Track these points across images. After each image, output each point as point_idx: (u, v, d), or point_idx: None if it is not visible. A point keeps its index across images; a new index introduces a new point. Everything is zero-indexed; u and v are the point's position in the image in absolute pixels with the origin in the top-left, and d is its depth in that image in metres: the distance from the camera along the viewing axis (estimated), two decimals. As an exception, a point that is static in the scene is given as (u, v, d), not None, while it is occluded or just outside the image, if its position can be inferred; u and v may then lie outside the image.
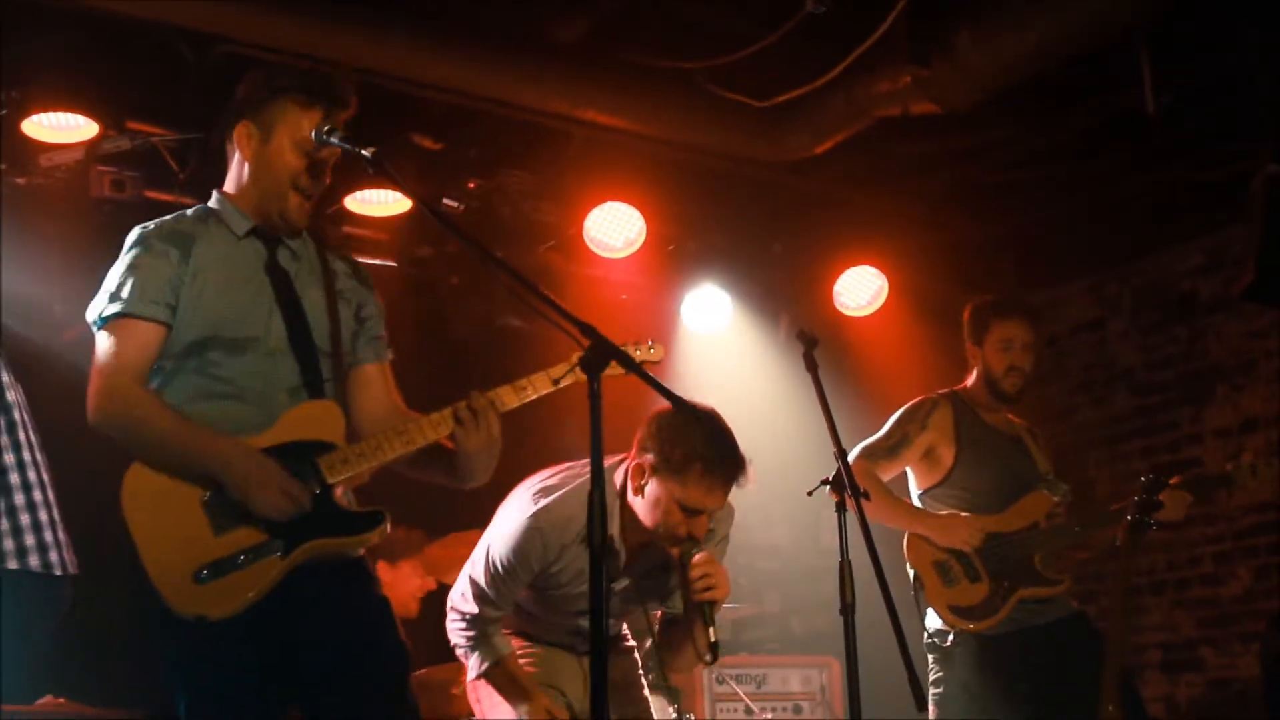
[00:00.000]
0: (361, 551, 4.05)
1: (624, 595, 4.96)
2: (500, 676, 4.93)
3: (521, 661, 5.03)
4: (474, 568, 4.90)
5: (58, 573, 4.16)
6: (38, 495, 4.15)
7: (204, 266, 3.95)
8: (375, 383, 4.19)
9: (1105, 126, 7.19)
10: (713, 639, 4.65)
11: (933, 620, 5.94)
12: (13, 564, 4.01)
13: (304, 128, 3.99)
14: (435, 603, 7.04)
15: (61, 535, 4.21)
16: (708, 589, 4.64)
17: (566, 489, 4.75)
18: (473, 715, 6.29)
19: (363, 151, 3.91)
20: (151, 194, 6.83)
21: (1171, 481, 5.80)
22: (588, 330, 3.54)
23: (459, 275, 7.93)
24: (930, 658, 5.95)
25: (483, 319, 8.01)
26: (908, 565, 5.97)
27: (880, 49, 6.41)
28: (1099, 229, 8.14)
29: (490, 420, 3.97)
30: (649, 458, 4.65)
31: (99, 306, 3.92)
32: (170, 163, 6.82)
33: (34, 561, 4.11)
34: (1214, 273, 8.15)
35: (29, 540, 4.10)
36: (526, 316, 7.69)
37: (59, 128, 6.47)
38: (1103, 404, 8.72)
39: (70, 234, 6.64)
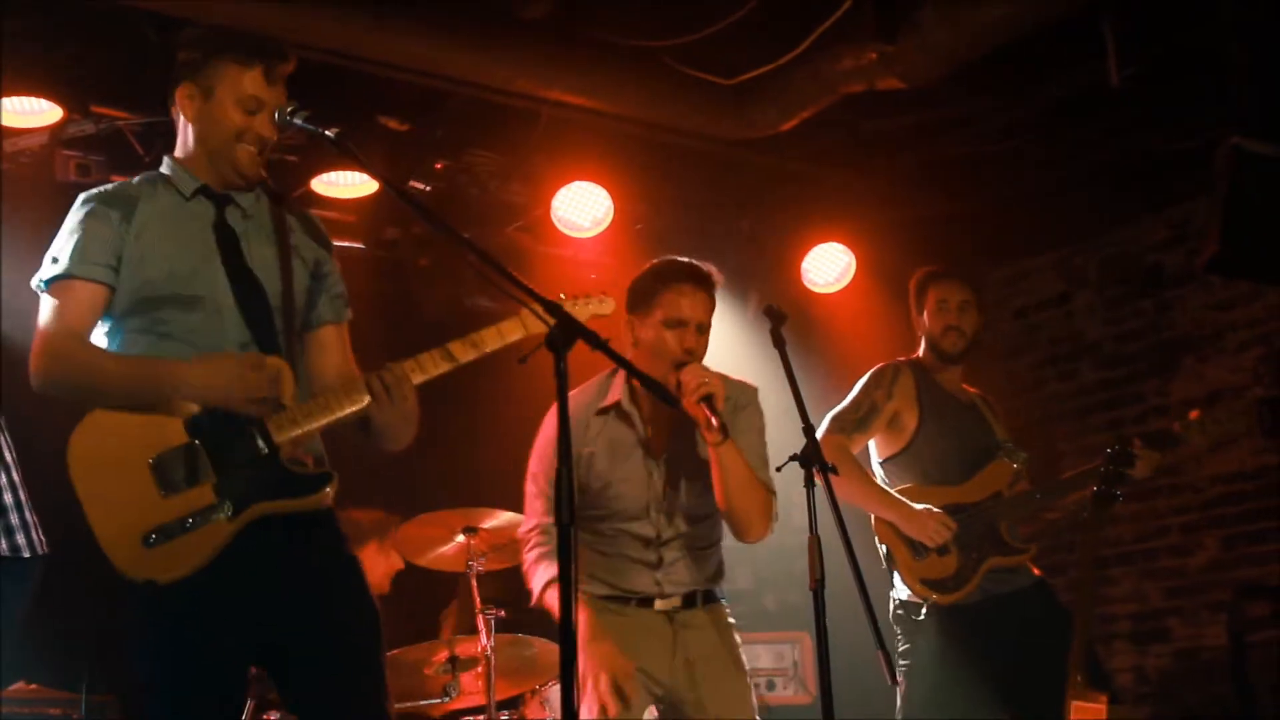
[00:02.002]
0: (327, 504, 4.00)
1: (667, 484, 5.02)
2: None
3: (601, 624, 4.85)
4: (526, 495, 5.07)
5: (26, 554, 4.15)
6: (3, 478, 4.13)
7: (147, 225, 3.96)
8: (332, 344, 4.19)
9: (1070, 100, 7.19)
10: (718, 423, 4.67)
11: (902, 592, 5.96)
12: (-20, 548, 4.00)
13: (244, 85, 4.00)
14: (406, 583, 7.04)
15: (30, 516, 4.20)
16: (701, 384, 4.70)
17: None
18: (446, 696, 6.31)
19: (326, 133, 3.91)
20: (117, 178, 6.73)
21: (1134, 447, 5.83)
22: (554, 309, 3.53)
23: (427, 257, 7.92)
24: (899, 630, 5.98)
25: (451, 300, 7.99)
26: (877, 540, 5.98)
27: (846, 25, 6.40)
28: (1064, 203, 8.14)
29: (403, 393, 3.93)
30: (628, 318, 5.00)
31: (41, 271, 3.94)
32: (135, 146, 6.78)
33: (2, 545, 4.10)
34: (1179, 246, 8.17)
35: None
36: (495, 297, 7.68)
37: (23, 112, 6.43)
38: (1070, 377, 8.74)
39: (36, 219, 6.58)
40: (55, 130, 6.53)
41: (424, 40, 6.51)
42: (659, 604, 4.98)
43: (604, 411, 5.03)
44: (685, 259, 5.05)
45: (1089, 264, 8.68)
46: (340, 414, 3.91)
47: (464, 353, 4.08)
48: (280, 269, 4.07)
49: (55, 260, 3.92)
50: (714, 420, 4.64)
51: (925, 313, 6.27)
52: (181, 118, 4.12)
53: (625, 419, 5.02)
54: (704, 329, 4.97)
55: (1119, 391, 8.45)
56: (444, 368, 4.05)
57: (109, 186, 4.07)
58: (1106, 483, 5.81)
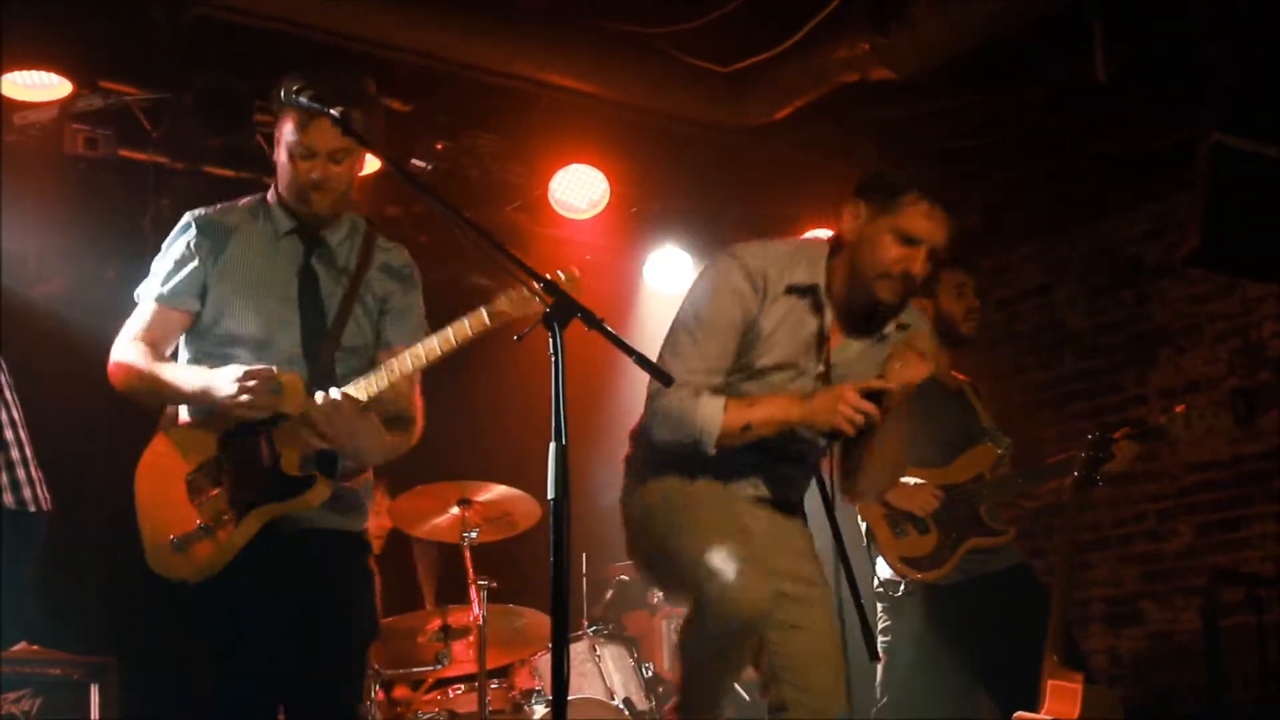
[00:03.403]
0: (364, 526, 4.28)
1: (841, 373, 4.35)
2: (752, 426, 4.15)
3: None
4: (670, 342, 4.29)
5: (31, 509, 4.19)
6: (9, 434, 4.18)
7: (234, 263, 4.16)
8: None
9: (1055, 95, 7.20)
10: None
11: (884, 570, 5.98)
12: (-13, 502, 4.04)
13: (288, 133, 4.12)
14: (398, 546, 7.06)
15: (35, 472, 4.27)
16: (904, 385, 4.16)
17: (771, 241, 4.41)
18: (438, 664, 6.34)
19: (330, 111, 3.93)
20: (125, 152, 6.81)
21: (1116, 435, 5.85)
22: (551, 287, 3.55)
23: (427, 234, 7.91)
24: (880, 607, 6.00)
25: (451, 277, 8.00)
26: (859, 518, 6.00)
27: (840, 16, 6.42)
28: (1048, 195, 8.16)
29: (331, 419, 3.98)
30: (859, 205, 4.23)
31: (142, 286, 4.22)
32: (143, 121, 6.79)
33: (8, 498, 4.14)
34: (1159, 239, 8.18)
35: (2, 479, 4.13)
36: (493, 275, 7.70)
37: (34, 86, 6.43)
38: (1051, 366, 8.76)
39: (45, 190, 6.60)
40: (65, 104, 6.53)
41: (428, 24, 6.53)
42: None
43: (800, 291, 4.27)
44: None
45: (1071, 256, 8.70)
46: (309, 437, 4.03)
47: (411, 360, 4.08)
48: (343, 302, 4.20)
49: (153, 280, 4.19)
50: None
51: (940, 295, 6.16)
52: None
53: (818, 309, 4.28)
54: (934, 258, 4.23)
55: (1098, 381, 8.47)
56: (392, 378, 4.07)
57: (212, 211, 4.26)
58: (1086, 468, 5.84)
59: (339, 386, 4.04)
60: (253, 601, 4.00)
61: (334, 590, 4.13)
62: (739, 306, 4.19)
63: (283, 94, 4.04)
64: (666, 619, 7.37)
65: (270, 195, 4.27)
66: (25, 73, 6.35)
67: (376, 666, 6.22)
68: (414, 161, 7.25)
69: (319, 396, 3.97)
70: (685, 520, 4.16)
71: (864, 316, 4.28)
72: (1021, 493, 6.09)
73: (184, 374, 4.08)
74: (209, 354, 4.12)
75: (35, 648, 5.59)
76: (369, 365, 4.16)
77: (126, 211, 6.75)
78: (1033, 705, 5.57)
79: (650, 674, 6.83)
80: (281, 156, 4.16)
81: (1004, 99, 7.36)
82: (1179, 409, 5.97)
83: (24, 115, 6.54)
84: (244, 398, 3.91)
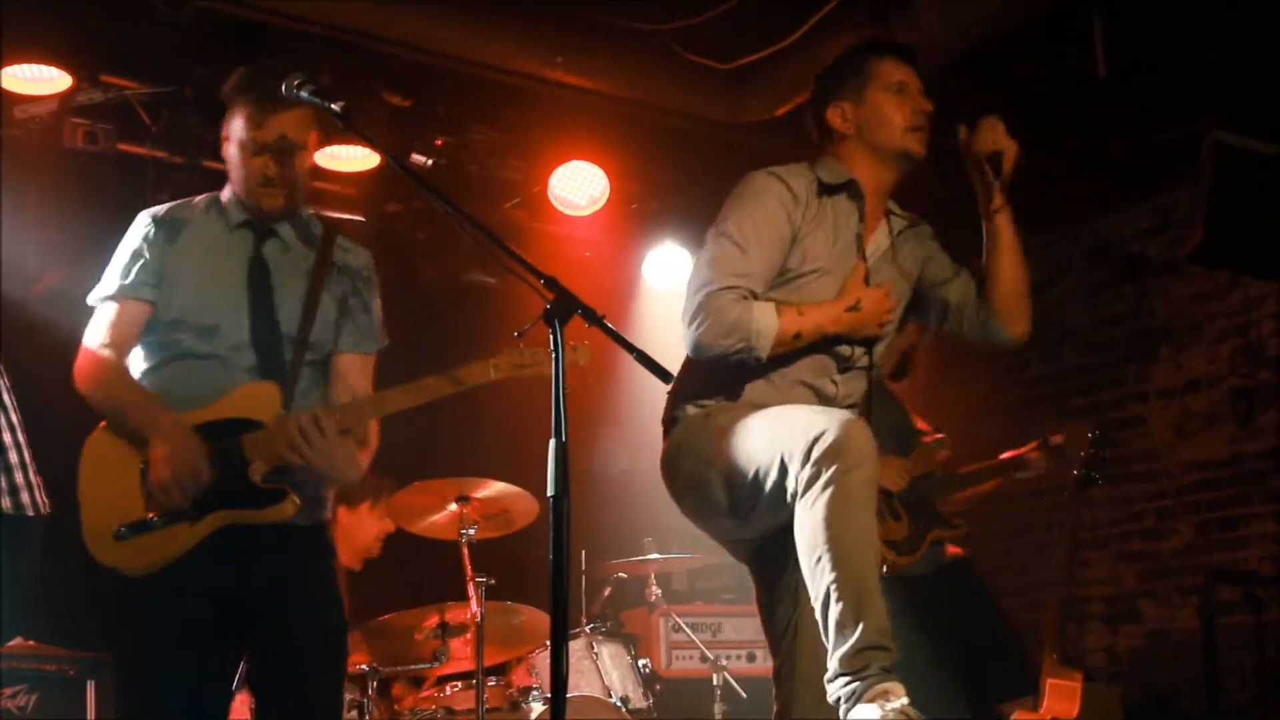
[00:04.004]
0: (320, 519, 4.20)
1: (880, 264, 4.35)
2: (802, 335, 4.10)
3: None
4: (709, 255, 4.22)
5: (30, 513, 4.17)
6: (7, 438, 4.15)
7: (188, 250, 4.15)
8: (350, 374, 4.25)
9: (1057, 91, 7.17)
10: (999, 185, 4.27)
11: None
12: (-15, 505, 4.02)
13: (242, 129, 4.11)
14: (396, 546, 7.03)
15: (33, 476, 4.23)
16: (998, 140, 4.30)
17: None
18: (436, 661, 6.31)
19: (331, 106, 3.91)
20: (124, 146, 6.79)
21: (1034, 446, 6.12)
22: (551, 284, 3.52)
23: (426, 231, 7.90)
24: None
25: (450, 274, 7.98)
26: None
27: (841, 13, 6.38)
28: (1051, 191, 8.11)
29: (310, 441, 3.94)
30: (840, 104, 4.35)
31: (95, 290, 4.17)
32: (143, 116, 6.77)
33: (6, 503, 4.11)
34: (1161, 235, 8.15)
35: (1, 484, 4.10)
36: (492, 271, 7.68)
37: (34, 80, 6.44)
38: (1052, 360, 8.73)
39: (44, 185, 6.58)
40: (65, 98, 6.51)
41: (428, 18, 6.51)
42: None
43: (831, 190, 4.28)
44: None
45: (1073, 251, 8.66)
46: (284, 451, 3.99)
47: (407, 397, 4.06)
48: (305, 301, 4.16)
49: (107, 279, 4.16)
50: (994, 181, 4.27)
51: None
52: None
53: (857, 201, 4.29)
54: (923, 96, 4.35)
55: (1099, 377, 8.44)
56: (384, 410, 4.09)
57: (165, 208, 4.26)
58: (1086, 467, 5.84)
59: (296, 381, 4.07)
60: (205, 597, 3.94)
61: (298, 584, 4.08)
62: (784, 214, 4.18)
63: (283, 88, 4.00)
64: (664, 616, 7.36)
65: (225, 193, 4.26)
66: (25, 66, 6.36)
67: (374, 663, 6.19)
68: (413, 157, 7.22)
69: (304, 417, 3.94)
70: (753, 422, 3.99)
71: (894, 189, 4.37)
72: (964, 489, 6.24)
73: (145, 413, 4.03)
74: (157, 344, 4.11)
75: (32, 643, 5.56)
76: (326, 363, 4.20)
77: (126, 206, 6.69)
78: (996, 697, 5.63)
79: (648, 671, 6.81)
80: (232, 152, 4.15)
81: (1006, 95, 7.31)
82: (1055, 438, 6.17)
83: (24, 109, 6.53)
84: (171, 483, 3.89)
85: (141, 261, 4.12)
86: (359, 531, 7.04)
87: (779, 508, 3.81)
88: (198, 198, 4.31)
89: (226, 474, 3.96)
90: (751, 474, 3.92)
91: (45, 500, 4.25)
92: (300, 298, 4.16)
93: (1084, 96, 7.03)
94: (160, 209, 4.24)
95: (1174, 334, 8.06)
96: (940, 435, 6.50)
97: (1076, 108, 7.28)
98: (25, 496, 4.19)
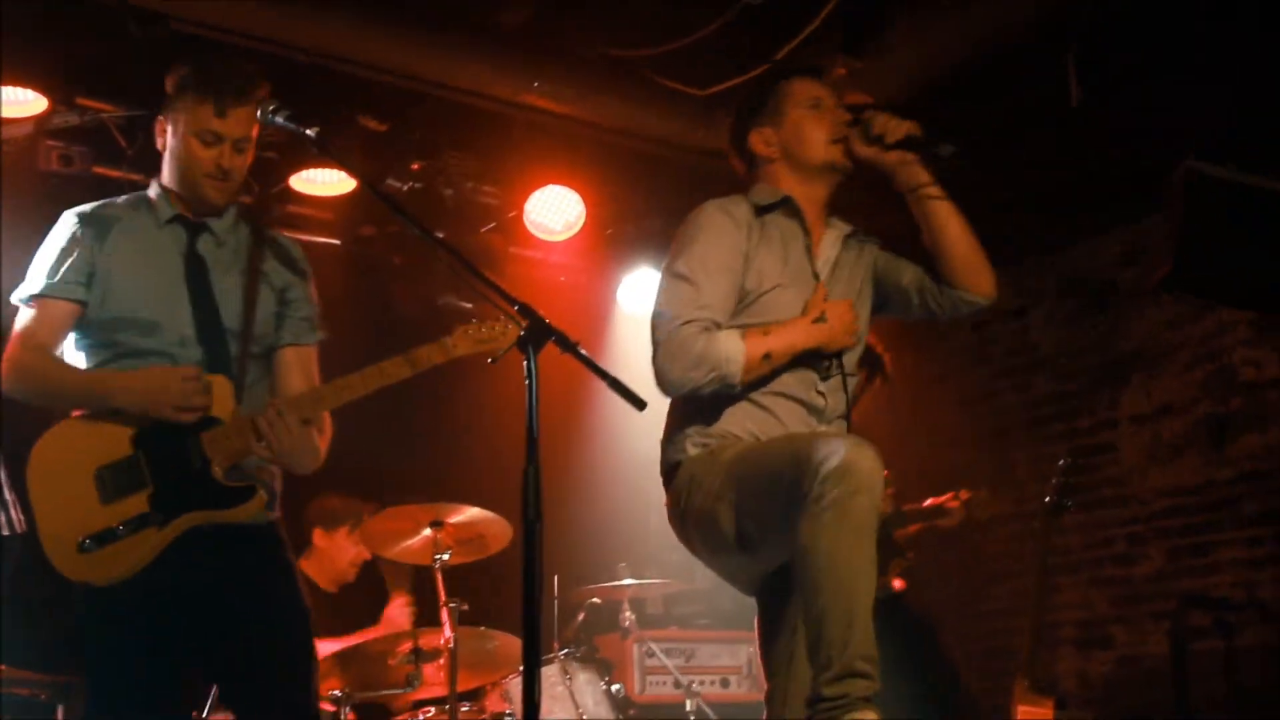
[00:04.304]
0: (274, 516, 4.17)
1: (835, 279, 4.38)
2: (772, 356, 4.10)
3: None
4: (665, 295, 4.21)
5: (4, 533, 4.15)
6: None
7: (118, 248, 4.10)
8: (293, 366, 4.25)
9: (1030, 119, 7.20)
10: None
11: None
12: (-42, 525, 3.99)
13: (200, 119, 4.08)
14: (370, 571, 7.02)
15: (8, 495, 4.21)
16: (900, 123, 4.34)
17: None
18: (409, 686, 6.29)
19: (306, 131, 3.93)
20: (99, 169, 6.78)
21: (961, 496, 6.25)
22: (525, 310, 3.52)
23: (401, 254, 7.89)
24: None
25: (424, 298, 7.97)
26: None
27: (815, 41, 6.40)
28: (1022, 219, 8.15)
29: (277, 434, 3.94)
30: (761, 130, 4.43)
31: (20, 288, 4.09)
32: (118, 139, 6.75)
33: None
34: (1132, 263, 8.19)
35: None
36: (467, 296, 7.67)
37: (10, 102, 6.41)
38: (1024, 389, 8.76)
39: (16, 206, 6.55)
40: (41, 121, 6.50)
41: (405, 44, 6.51)
42: None
43: (768, 210, 4.34)
44: None
45: (1045, 279, 8.70)
46: (252, 444, 3.97)
47: (365, 382, 4.05)
48: (244, 295, 4.15)
49: (32, 279, 4.08)
50: (915, 158, 4.33)
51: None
52: (160, 148, 4.23)
53: (796, 215, 4.36)
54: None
55: (1071, 404, 8.47)
56: (344, 398, 4.06)
57: (90, 206, 4.20)
58: (1058, 494, 5.86)
59: (245, 374, 4.06)
60: (173, 601, 3.90)
61: (260, 583, 4.06)
62: (730, 242, 4.21)
63: (259, 114, 4.03)
64: (638, 642, 7.34)
65: (152, 189, 4.24)
66: (2, 89, 6.32)
67: (347, 689, 6.17)
68: (389, 181, 7.22)
69: (269, 410, 3.94)
70: (759, 452, 4.03)
71: (829, 203, 4.44)
72: (908, 525, 6.44)
73: (91, 379, 4.01)
74: (97, 345, 4.07)
75: (2, 667, 5.53)
76: (269, 356, 4.19)
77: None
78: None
79: (621, 697, 6.79)
80: (178, 142, 4.12)
81: (979, 123, 7.35)
82: (963, 494, 6.37)
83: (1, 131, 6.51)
84: (183, 402, 3.88)
85: (70, 260, 4.06)
86: (336, 556, 7.03)
87: (786, 538, 3.80)
88: (121, 197, 4.28)
89: (190, 474, 3.94)
90: (759, 505, 3.95)
91: (20, 519, 4.23)
92: (239, 291, 4.15)
93: (1057, 124, 7.06)
94: (86, 207, 4.19)
95: (1145, 361, 8.09)
96: (885, 474, 6.57)
97: (1049, 136, 7.31)
98: (0, 516, 4.19)
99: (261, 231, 4.30)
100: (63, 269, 4.05)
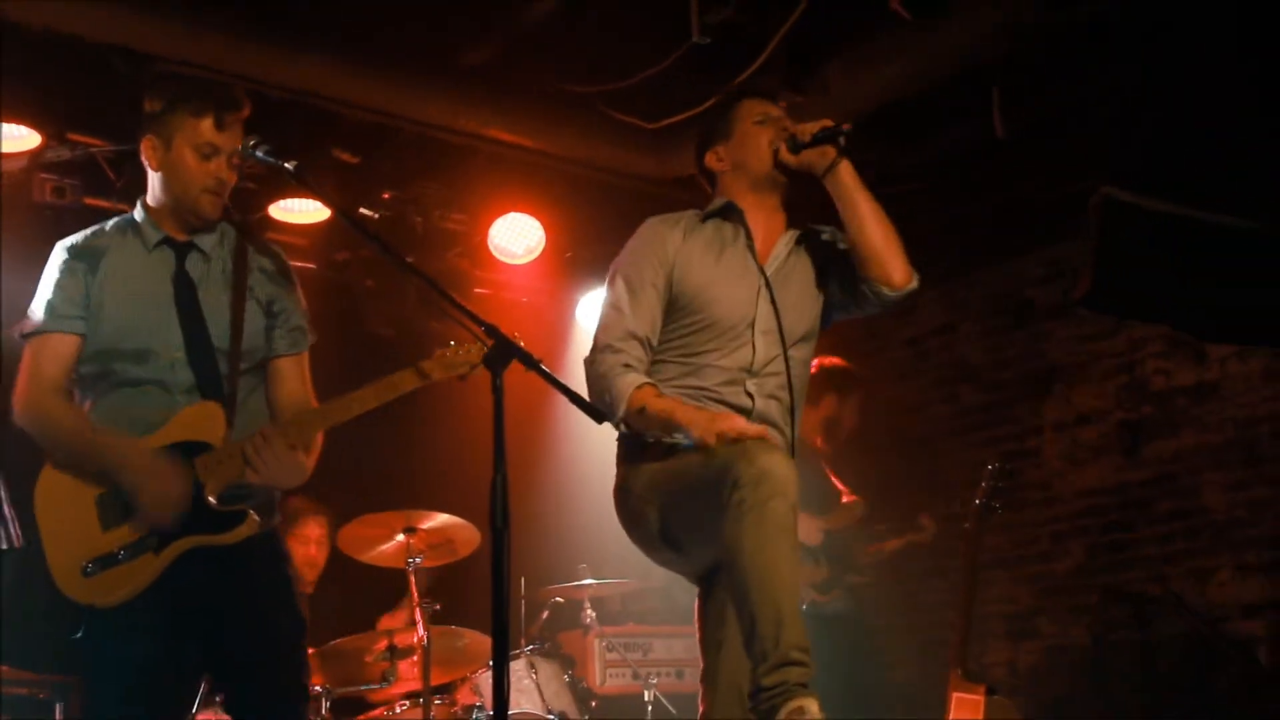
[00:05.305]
0: (274, 523, 4.12)
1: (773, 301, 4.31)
2: (646, 410, 4.05)
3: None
4: (601, 314, 4.30)
5: (3, 546, 4.11)
6: None
7: (110, 277, 4.01)
8: (289, 376, 4.18)
9: (959, 150, 7.25)
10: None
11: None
12: (-43, 540, 3.96)
13: (200, 132, 3.99)
14: (339, 570, 6.98)
15: (7, 510, 4.16)
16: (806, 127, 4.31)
17: None
18: (384, 682, 6.27)
19: (285, 165, 3.92)
20: (90, 200, 6.75)
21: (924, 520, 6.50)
22: (491, 330, 3.53)
23: (373, 278, 7.88)
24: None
25: (395, 318, 7.95)
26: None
27: (759, 78, 6.42)
28: (952, 241, 8.19)
29: (264, 460, 3.90)
30: (715, 149, 4.47)
31: (22, 325, 4.03)
32: (108, 172, 6.74)
33: None
34: (1053, 282, 8.23)
35: None
36: (436, 316, 7.65)
37: (6, 138, 6.38)
38: (953, 399, 8.78)
39: (13, 237, 6.51)
40: (34, 155, 6.47)
41: (376, 81, 6.53)
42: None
43: (710, 216, 4.40)
44: None
45: (972, 297, 8.73)
46: (242, 469, 3.92)
47: (348, 407, 4.01)
48: (232, 311, 4.07)
49: (34, 315, 4.02)
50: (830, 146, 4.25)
51: (845, 405, 7.00)
52: (148, 167, 4.11)
53: (735, 219, 4.37)
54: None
55: (996, 414, 8.50)
56: (330, 421, 4.02)
57: (80, 238, 4.10)
58: (987, 497, 5.90)
59: (236, 392, 3.99)
60: (173, 617, 3.87)
61: (259, 594, 4.02)
62: (655, 259, 4.25)
63: (241, 148, 4.00)
64: (599, 638, 7.33)
65: (137, 212, 4.14)
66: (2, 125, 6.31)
67: (327, 685, 6.14)
68: (362, 210, 7.21)
69: (256, 438, 3.89)
70: (681, 460, 4.02)
71: (783, 208, 4.44)
72: (885, 541, 6.62)
73: (92, 448, 3.92)
74: (93, 376, 3.99)
75: (1, 667, 5.48)
76: (260, 367, 4.11)
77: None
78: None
79: (584, 689, 6.79)
80: (175, 157, 4.01)
81: (912, 154, 7.39)
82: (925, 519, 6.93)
83: (-2, 165, 6.49)
84: (161, 503, 3.84)
85: (66, 293, 3.98)
86: (296, 551, 6.97)
87: (709, 542, 3.83)
88: (108, 223, 4.16)
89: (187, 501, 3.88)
90: (680, 510, 4.01)
91: (18, 534, 4.19)
92: (227, 309, 4.07)
93: (983, 154, 7.11)
94: (75, 239, 4.09)
95: (1065, 372, 8.14)
96: (857, 499, 6.84)
97: (976, 165, 7.36)
98: (-1, 530, 4.14)
99: (245, 243, 4.19)
100: (61, 303, 3.98)
